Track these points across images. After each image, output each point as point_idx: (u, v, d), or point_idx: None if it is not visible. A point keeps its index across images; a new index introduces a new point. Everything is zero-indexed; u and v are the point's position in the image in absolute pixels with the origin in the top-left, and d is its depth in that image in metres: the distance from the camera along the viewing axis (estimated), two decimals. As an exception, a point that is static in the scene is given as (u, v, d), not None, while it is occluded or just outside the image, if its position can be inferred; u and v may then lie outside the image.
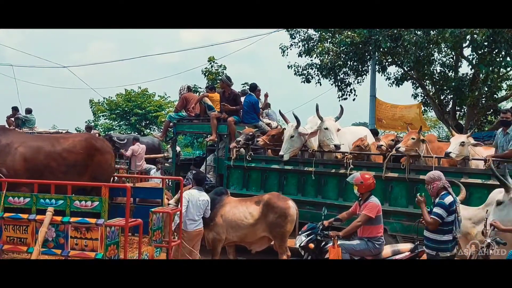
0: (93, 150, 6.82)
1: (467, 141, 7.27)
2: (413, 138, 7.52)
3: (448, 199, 5.53)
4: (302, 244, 6.46)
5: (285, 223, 7.47)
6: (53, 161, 6.46)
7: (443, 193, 5.63)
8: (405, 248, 6.30)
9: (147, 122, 27.65)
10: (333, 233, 6.21)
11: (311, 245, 6.37)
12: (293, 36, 15.77)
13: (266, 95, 11.63)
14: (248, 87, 11.20)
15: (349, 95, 16.12)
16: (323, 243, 6.39)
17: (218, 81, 17.95)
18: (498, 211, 5.47)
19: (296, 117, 8.30)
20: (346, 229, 6.29)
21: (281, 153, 8.35)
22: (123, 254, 5.30)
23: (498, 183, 6.66)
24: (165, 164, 11.93)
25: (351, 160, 7.89)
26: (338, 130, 8.18)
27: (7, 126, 13.51)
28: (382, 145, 7.82)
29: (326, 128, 8.07)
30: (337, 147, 7.97)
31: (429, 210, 5.76)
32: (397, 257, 6.21)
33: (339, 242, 6.24)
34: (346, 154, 8.01)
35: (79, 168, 6.63)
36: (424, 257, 5.91)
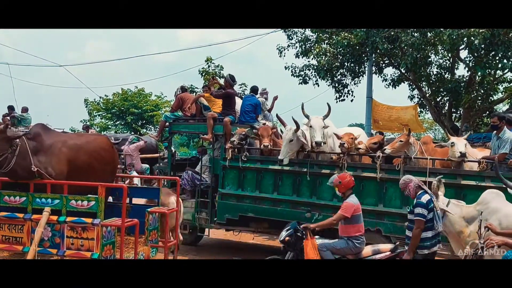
0: (113, 149, 7.01)
1: (467, 143, 7.38)
2: (401, 141, 7.61)
3: (425, 198, 5.77)
4: (281, 239, 6.73)
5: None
6: (94, 160, 6.48)
7: (419, 192, 5.89)
8: (385, 248, 6.41)
9: (144, 121, 27.57)
10: (305, 225, 6.49)
11: (287, 238, 6.61)
12: (290, 37, 15.80)
13: (275, 98, 11.67)
14: (246, 88, 11.28)
15: (346, 96, 16.16)
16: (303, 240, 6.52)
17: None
18: None
19: (295, 122, 8.28)
20: (319, 223, 6.58)
21: (280, 157, 8.35)
22: (119, 254, 5.32)
23: (492, 184, 6.80)
24: (161, 164, 11.94)
25: (346, 163, 7.94)
26: (325, 127, 8.16)
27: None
28: (360, 148, 7.90)
29: (311, 126, 8.13)
30: (318, 143, 8.00)
31: (409, 210, 5.93)
32: (377, 256, 6.31)
33: (320, 241, 6.37)
34: (341, 155, 8.05)
35: (109, 166, 6.76)
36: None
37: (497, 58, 12.24)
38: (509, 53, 11.74)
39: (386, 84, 16.74)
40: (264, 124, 9.65)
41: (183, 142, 19.28)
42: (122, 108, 27.22)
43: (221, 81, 11.73)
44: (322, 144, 8.02)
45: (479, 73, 13.01)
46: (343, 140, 7.96)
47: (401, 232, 7.42)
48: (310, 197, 8.36)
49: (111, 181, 6.93)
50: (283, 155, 8.35)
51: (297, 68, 15.88)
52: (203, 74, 19.81)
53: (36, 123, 8.60)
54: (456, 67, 15.73)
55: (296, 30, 15.67)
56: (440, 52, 15.52)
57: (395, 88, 16.58)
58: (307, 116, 8.28)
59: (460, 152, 7.18)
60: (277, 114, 9.85)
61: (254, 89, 10.89)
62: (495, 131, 7.49)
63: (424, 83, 16.02)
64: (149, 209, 6.38)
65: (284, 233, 6.74)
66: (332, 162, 8.24)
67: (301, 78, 15.90)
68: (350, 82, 16.07)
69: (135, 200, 7.26)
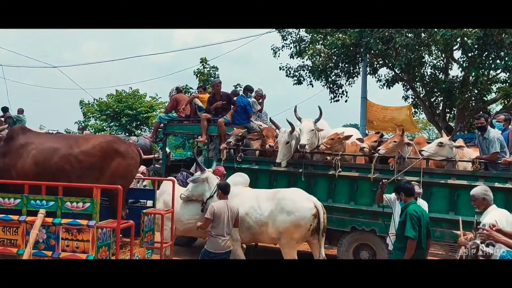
0: (113, 153, 6.25)
1: (447, 142, 7.38)
2: (395, 141, 7.63)
3: None
4: None
5: None
6: (67, 164, 6.04)
7: None
8: None
9: (138, 123, 27.44)
10: None
11: None
12: (285, 38, 15.86)
13: (263, 98, 11.67)
14: (241, 88, 11.28)
15: (341, 97, 16.22)
16: None
17: (209, 82, 18.02)
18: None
19: (290, 123, 8.31)
20: None
21: (278, 160, 8.36)
22: (114, 256, 5.32)
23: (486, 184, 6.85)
24: (156, 165, 11.93)
25: (339, 162, 7.96)
26: (314, 130, 8.24)
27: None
28: (365, 147, 7.93)
29: (300, 129, 8.21)
30: (301, 146, 8.09)
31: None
32: None
33: None
34: (336, 155, 8.07)
35: (95, 171, 6.10)
36: None
37: (490, 58, 12.31)
38: (502, 53, 11.82)
39: (381, 85, 16.85)
40: (260, 125, 9.68)
41: (178, 144, 19.23)
42: (117, 110, 27.12)
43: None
44: (307, 147, 8.06)
45: (473, 74, 13.08)
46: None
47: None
48: (305, 197, 8.38)
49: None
50: (280, 158, 8.36)
51: (292, 68, 15.94)
52: (198, 75, 19.83)
53: (17, 125, 8.53)
54: (450, 67, 15.83)
55: (290, 30, 15.74)
56: (434, 52, 15.63)
57: (389, 88, 16.70)
58: (299, 119, 8.32)
59: (421, 150, 7.46)
60: (270, 118, 9.84)
61: (248, 89, 10.93)
62: (479, 132, 7.51)
63: (418, 83, 16.12)
64: (144, 211, 6.38)
65: None
66: (326, 162, 8.27)
67: (296, 78, 15.96)
68: (345, 83, 16.14)
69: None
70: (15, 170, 5.97)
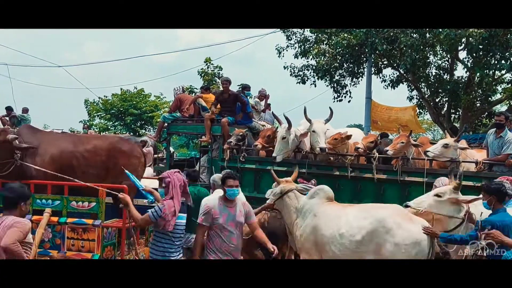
0: (116, 152, 6.42)
1: (452, 144, 7.38)
2: (402, 142, 7.59)
3: None
4: None
5: None
6: (75, 160, 6.23)
7: None
8: None
9: (143, 122, 27.49)
10: None
11: None
12: (289, 38, 15.86)
13: (267, 97, 11.67)
14: (240, 87, 11.33)
15: (345, 97, 16.21)
16: None
17: (214, 82, 18.05)
18: None
19: (287, 119, 8.33)
20: None
21: (274, 154, 8.38)
22: (119, 255, 5.36)
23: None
24: (159, 164, 11.95)
25: (350, 163, 7.95)
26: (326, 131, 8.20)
27: (1, 125, 13.54)
28: (359, 148, 7.87)
29: (314, 131, 8.12)
30: (322, 150, 7.97)
31: None
32: None
33: None
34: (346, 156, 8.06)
35: (98, 170, 6.26)
36: None
37: (496, 58, 12.29)
38: (507, 53, 11.80)
39: (385, 85, 16.81)
40: (263, 126, 9.68)
41: (182, 143, 19.28)
42: (121, 109, 27.18)
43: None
44: (327, 150, 8.02)
45: (478, 74, 13.06)
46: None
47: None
48: (308, 197, 8.39)
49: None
50: (276, 153, 8.35)
51: (296, 68, 15.95)
52: (202, 75, 19.86)
53: (23, 125, 8.55)
54: (454, 68, 15.81)
55: (295, 30, 15.74)
56: (438, 53, 15.59)
57: (394, 88, 16.67)
58: (309, 120, 8.25)
59: (426, 151, 7.42)
60: (272, 112, 9.83)
61: (246, 87, 10.97)
62: (494, 130, 7.48)
63: (423, 84, 16.09)
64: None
65: None
66: (329, 163, 8.27)
67: (300, 78, 15.96)
68: (349, 83, 16.13)
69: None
70: (35, 168, 6.01)
